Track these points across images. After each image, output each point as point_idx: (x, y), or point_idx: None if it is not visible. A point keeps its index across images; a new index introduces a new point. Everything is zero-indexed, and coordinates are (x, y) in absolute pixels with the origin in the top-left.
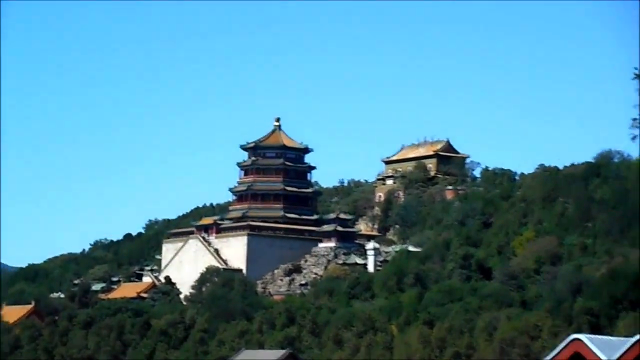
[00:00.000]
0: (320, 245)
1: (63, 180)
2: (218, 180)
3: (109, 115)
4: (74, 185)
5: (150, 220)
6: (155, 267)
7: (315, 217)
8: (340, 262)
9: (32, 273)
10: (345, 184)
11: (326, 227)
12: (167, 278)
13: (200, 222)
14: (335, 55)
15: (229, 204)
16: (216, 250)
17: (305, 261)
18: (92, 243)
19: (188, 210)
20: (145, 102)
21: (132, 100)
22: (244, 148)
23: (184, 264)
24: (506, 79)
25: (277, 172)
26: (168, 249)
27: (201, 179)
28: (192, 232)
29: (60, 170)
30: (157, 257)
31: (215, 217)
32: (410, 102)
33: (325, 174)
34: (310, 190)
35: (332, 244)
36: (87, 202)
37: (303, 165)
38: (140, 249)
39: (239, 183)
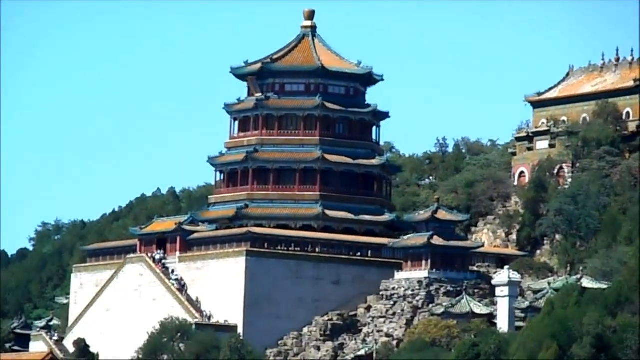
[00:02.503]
0: (399, 275)
1: None
2: (184, 142)
3: None
4: None
5: (43, 226)
6: (55, 322)
7: (387, 216)
8: (440, 310)
9: None
10: (450, 150)
11: (411, 239)
12: (80, 343)
13: (148, 229)
14: None
15: (207, 189)
16: (181, 286)
17: (368, 308)
18: None
19: (122, 205)
20: None
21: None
22: (238, 74)
23: (114, 315)
24: None
25: (309, 124)
26: (82, 283)
27: (151, 140)
28: (132, 249)
29: None
30: (60, 300)
31: (180, 218)
32: None
33: (407, 128)
34: (377, 162)
35: (421, 274)
36: None
37: (363, 111)
38: (24, 283)
39: (229, 148)
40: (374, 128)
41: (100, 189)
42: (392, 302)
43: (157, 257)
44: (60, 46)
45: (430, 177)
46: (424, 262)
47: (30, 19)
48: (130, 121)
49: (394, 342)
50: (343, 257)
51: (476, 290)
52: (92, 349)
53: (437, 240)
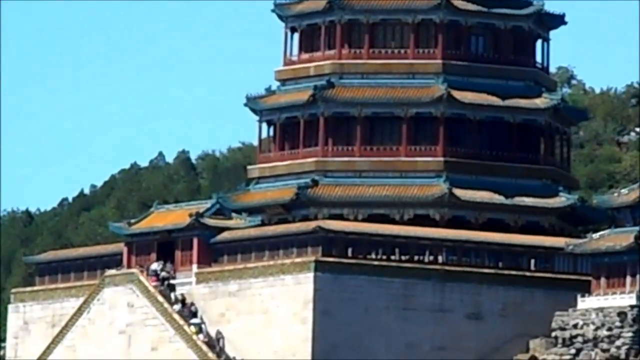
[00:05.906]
0: (585, 302)
1: None
2: (205, 73)
3: None
4: None
5: None
6: None
7: (563, 198)
8: None
9: None
10: None
11: (607, 238)
12: None
13: (142, 225)
14: None
15: (245, 154)
16: (200, 322)
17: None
18: None
19: (96, 185)
20: None
21: None
22: None
23: None
24: None
25: (424, 37)
26: (27, 321)
27: (148, 72)
28: (113, 261)
29: None
30: None
31: (199, 206)
32: None
33: (596, 43)
34: (544, 102)
35: (625, 300)
36: None
37: (518, 13)
38: None
39: (283, 80)
40: (539, 43)
41: (57, 157)
42: (573, 350)
43: (158, 272)
44: None
45: (635, 130)
46: (629, 280)
47: None
48: (108, 42)
49: None
50: (486, 271)
51: None
52: None
53: None
